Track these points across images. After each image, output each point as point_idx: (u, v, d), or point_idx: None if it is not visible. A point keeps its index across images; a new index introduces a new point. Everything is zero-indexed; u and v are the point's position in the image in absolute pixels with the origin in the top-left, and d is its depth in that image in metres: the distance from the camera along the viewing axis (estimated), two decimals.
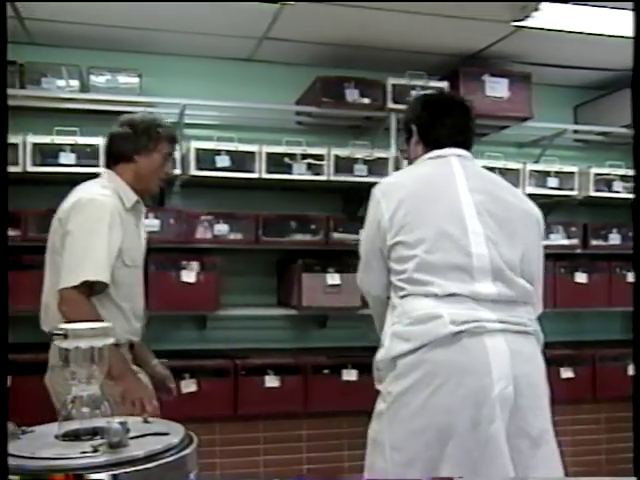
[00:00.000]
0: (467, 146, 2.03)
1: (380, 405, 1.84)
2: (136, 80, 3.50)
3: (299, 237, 3.51)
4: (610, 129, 4.09)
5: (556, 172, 3.88)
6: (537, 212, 1.99)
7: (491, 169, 3.70)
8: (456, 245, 1.79)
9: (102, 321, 1.77)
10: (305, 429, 3.42)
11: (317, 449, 3.46)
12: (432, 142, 2.01)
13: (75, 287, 2.08)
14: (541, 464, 1.75)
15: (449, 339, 1.70)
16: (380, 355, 1.84)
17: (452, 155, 1.98)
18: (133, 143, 2.33)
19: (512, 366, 1.71)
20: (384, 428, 1.79)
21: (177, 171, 3.34)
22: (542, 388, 1.82)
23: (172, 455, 1.17)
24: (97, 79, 3.45)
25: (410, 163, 2.13)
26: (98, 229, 2.15)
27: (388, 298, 1.93)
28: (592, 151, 4.33)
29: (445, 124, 2.00)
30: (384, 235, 1.87)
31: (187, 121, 3.61)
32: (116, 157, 2.36)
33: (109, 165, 2.38)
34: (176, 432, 1.21)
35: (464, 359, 1.70)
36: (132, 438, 1.18)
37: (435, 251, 1.79)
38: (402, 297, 1.82)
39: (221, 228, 3.44)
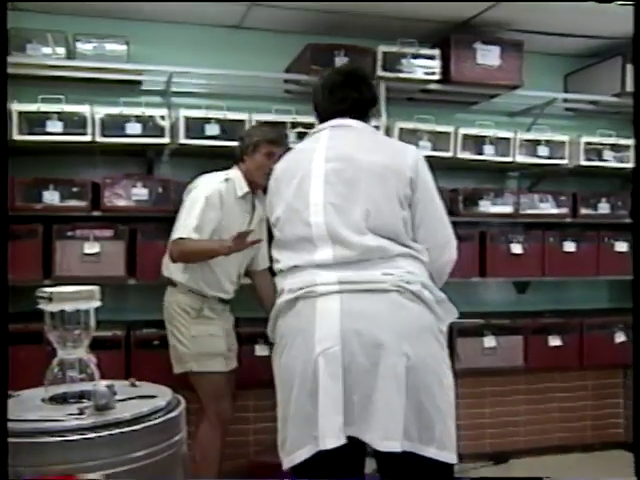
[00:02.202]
0: (354, 115, 2.06)
1: None
2: (123, 48, 3.45)
3: None
4: (600, 98, 4.08)
5: (546, 141, 3.88)
6: (401, 164, 1.95)
7: (482, 138, 3.77)
8: (300, 218, 1.91)
9: (202, 246, 2.84)
10: None
11: None
12: (320, 116, 2.13)
13: (174, 242, 2.83)
14: (373, 420, 1.75)
15: (288, 306, 1.88)
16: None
17: (327, 128, 2.05)
18: (240, 147, 3.02)
19: (342, 326, 1.77)
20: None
21: (166, 140, 3.31)
22: (386, 343, 1.77)
23: (159, 417, 1.19)
24: (84, 46, 3.40)
25: None
26: (195, 206, 2.84)
27: None
28: (582, 120, 4.32)
29: (325, 97, 2.10)
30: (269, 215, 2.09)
31: (175, 89, 3.57)
32: (235, 158, 3.04)
33: (235, 160, 3.05)
34: (163, 395, 1.22)
35: (296, 322, 1.86)
36: (119, 401, 1.19)
37: (284, 228, 1.95)
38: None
39: None
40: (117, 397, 1.18)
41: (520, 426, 3.99)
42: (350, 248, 1.84)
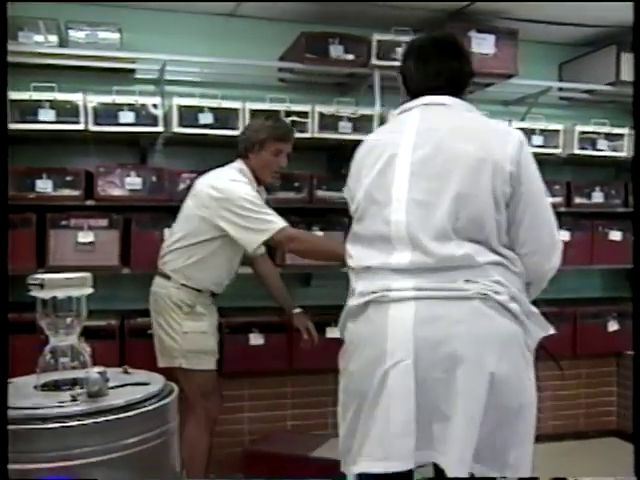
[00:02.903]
0: (449, 90, 1.81)
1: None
2: (116, 35, 3.42)
3: (283, 195, 3.49)
4: (595, 87, 4.07)
5: (541, 130, 3.87)
6: (500, 155, 1.69)
7: None
8: (380, 212, 1.71)
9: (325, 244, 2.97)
10: (290, 386, 3.46)
11: (302, 406, 3.51)
12: (411, 91, 1.86)
13: (279, 231, 2.69)
14: (451, 443, 1.59)
15: (358, 310, 1.71)
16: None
17: (418, 106, 1.81)
18: (244, 144, 2.88)
19: (415, 334, 1.61)
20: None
21: (159, 128, 3.30)
22: (465, 356, 1.60)
23: (152, 404, 1.18)
24: (76, 34, 3.37)
25: None
26: (257, 203, 2.73)
27: None
28: (577, 109, 4.32)
29: (419, 70, 1.83)
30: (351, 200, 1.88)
31: (169, 77, 3.55)
32: (238, 153, 2.91)
33: (239, 155, 2.91)
34: (156, 382, 1.22)
35: (367, 329, 1.70)
36: (112, 388, 1.19)
37: (363, 220, 1.77)
38: None
39: None
40: (110, 384, 1.18)
41: None
42: (430, 255, 1.64)
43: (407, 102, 1.85)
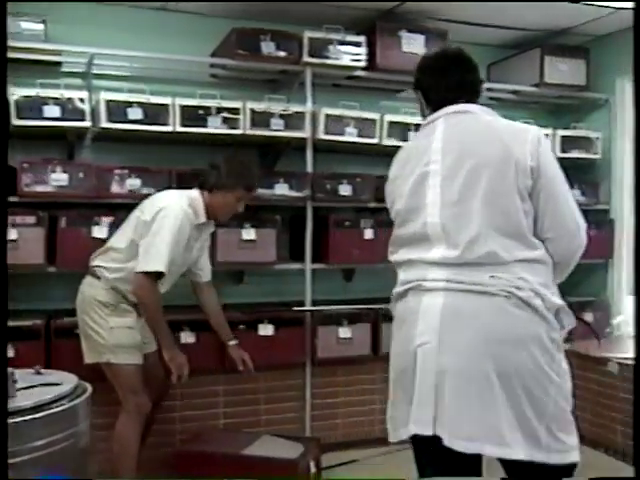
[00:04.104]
0: (467, 98, 1.99)
1: None
2: (40, 27, 3.33)
3: None
4: (520, 87, 4.19)
5: None
6: (520, 153, 1.83)
7: (407, 125, 3.81)
8: (417, 217, 1.91)
9: (161, 319, 2.84)
10: (222, 384, 3.44)
11: (234, 404, 3.49)
12: (433, 104, 2.01)
13: (146, 273, 2.74)
14: (459, 419, 1.77)
15: (399, 296, 1.96)
16: None
17: (442, 116, 1.96)
18: (214, 179, 2.92)
19: (441, 321, 1.81)
20: None
21: (87, 123, 3.23)
22: (479, 346, 1.77)
23: (62, 405, 1.16)
24: None
25: None
26: (169, 234, 2.76)
27: None
28: (504, 109, 4.40)
29: (440, 85, 1.99)
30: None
31: (96, 71, 3.48)
32: (203, 183, 2.96)
33: (202, 185, 2.96)
34: (68, 382, 1.20)
35: (405, 312, 1.93)
36: (21, 389, 1.16)
37: (403, 226, 1.97)
38: None
39: (134, 183, 3.35)
40: (19, 385, 1.14)
41: None
42: (460, 251, 1.82)
43: (430, 114, 2.01)
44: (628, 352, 3.66)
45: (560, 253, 1.89)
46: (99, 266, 2.92)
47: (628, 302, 4.28)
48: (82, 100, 3.21)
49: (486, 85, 4.23)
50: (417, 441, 1.90)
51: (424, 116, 2.05)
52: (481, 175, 1.83)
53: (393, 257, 2.03)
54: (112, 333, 2.83)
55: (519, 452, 1.74)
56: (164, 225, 2.78)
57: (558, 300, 1.87)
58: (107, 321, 2.84)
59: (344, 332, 3.70)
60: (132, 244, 2.86)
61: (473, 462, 1.89)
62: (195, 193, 2.96)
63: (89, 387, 1.18)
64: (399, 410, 1.91)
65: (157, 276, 2.78)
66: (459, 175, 1.85)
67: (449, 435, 1.76)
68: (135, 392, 2.86)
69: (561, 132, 4.17)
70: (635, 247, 1.68)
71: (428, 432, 1.79)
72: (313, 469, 3.12)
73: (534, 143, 1.85)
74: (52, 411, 1.11)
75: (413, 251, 1.93)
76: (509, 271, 1.79)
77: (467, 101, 1.98)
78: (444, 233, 1.85)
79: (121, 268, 2.86)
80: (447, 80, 1.99)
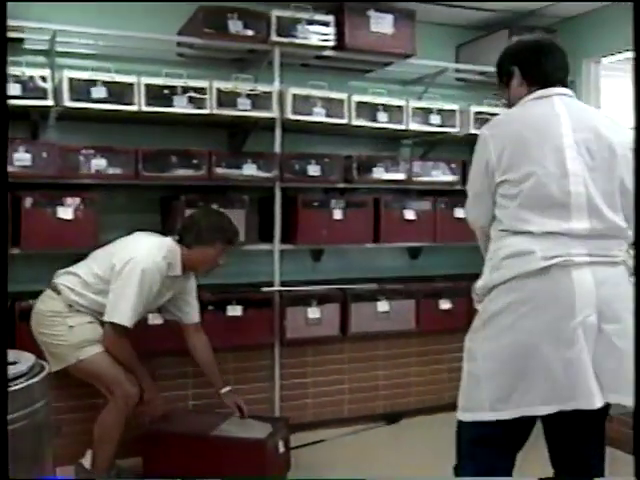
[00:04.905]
0: (564, 82, 2.12)
1: (477, 322, 2.06)
2: None
3: (181, 172, 3.43)
4: (488, 68, 4.18)
5: (438, 110, 3.96)
6: (628, 142, 2.04)
7: (375, 105, 3.81)
8: (557, 184, 1.93)
9: (136, 364, 2.90)
10: (190, 366, 3.42)
11: (203, 385, 3.48)
12: (537, 81, 2.09)
13: (117, 325, 2.79)
14: (623, 382, 1.89)
15: (539, 272, 1.92)
16: (479, 284, 2.07)
17: (555, 94, 2.06)
18: (195, 235, 2.94)
19: (597, 295, 1.89)
20: (479, 341, 2.02)
21: (49, 102, 3.17)
22: (627, 312, 1.92)
23: (19, 384, 1.15)
24: None
25: (510, 107, 2.19)
26: (135, 288, 2.78)
27: None
28: (472, 90, 4.44)
29: (548, 62, 2.10)
30: (492, 173, 2.02)
31: (59, 49, 3.41)
32: (180, 239, 2.98)
33: (180, 240, 2.99)
34: (25, 361, 1.18)
35: (552, 289, 1.91)
36: None
37: (537, 189, 1.95)
38: (500, 231, 2.02)
39: (99, 163, 3.30)
40: None
41: (412, 387, 4.13)
42: (605, 223, 1.93)
43: (529, 91, 2.10)
44: None
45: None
46: (65, 285, 2.91)
47: None
48: (44, 78, 3.14)
49: (454, 66, 4.28)
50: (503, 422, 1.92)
51: (502, 95, 2.23)
52: (606, 155, 1.97)
53: (526, 227, 1.95)
54: (73, 331, 2.84)
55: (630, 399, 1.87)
56: (132, 279, 2.79)
57: None
58: (65, 323, 2.85)
59: (313, 312, 3.71)
60: (97, 279, 2.89)
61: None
62: (174, 245, 2.97)
63: (47, 366, 1.17)
64: (536, 385, 1.90)
65: (124, 327, 2.81)
66: (591, 152, 1.96)
67: (607, 392, 1.89)
68: (119, 382, 2.84)
69: None
70: (635, 247, 1.88)
71: (597, 404, 1.87)
72: (282, 449, 3.14)
73: (630, 135, 2.05)
74: (9, 389, 1.10)
75: (550, 221, 1.93)
76: (621, 243, 1.98)
77: (563, 85, 2.11)
78: (588, 205, 1.93)
79: (84, 295, 2.89)
80: (554, 59, 2.11)
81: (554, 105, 2.04)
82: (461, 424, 2.09)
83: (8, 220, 2.28)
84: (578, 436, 2.10)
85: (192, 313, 3.16)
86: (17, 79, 3.09)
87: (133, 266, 2.81)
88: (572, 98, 2.11)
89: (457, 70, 4.31)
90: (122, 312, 2.79)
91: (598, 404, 1.88)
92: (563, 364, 1.88)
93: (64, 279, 2.94)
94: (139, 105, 3.29)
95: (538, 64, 2.11)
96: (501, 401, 1.93)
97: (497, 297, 1.98)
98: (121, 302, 2.79)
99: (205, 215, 3.08)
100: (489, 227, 2.10)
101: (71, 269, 2.98)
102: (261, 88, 3.53)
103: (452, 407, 4.03)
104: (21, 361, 1.22)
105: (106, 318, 2.82)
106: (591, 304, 1.89)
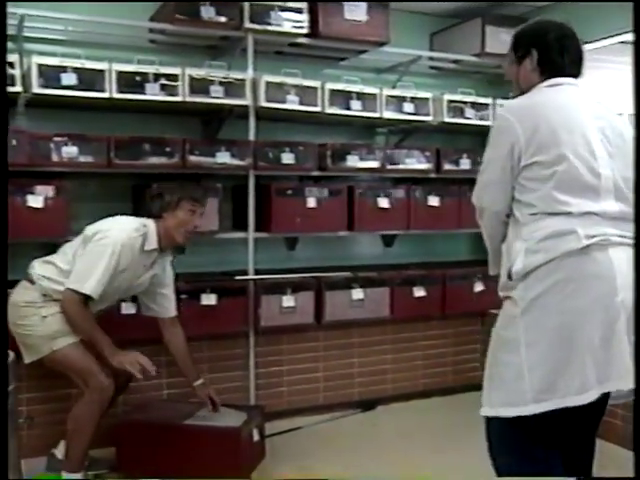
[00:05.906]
0: (579, 75, 2.14)
1: (513, 310, 1.99)
2: None
3: (154, 160, 3.39)
4: (462, 57, 4.22)
5: (412, 98, 3.96)
6: (630, 131, 2.09)
7: (349, 93, 3.80)
8: (587, 167, 1.95)
9: (93, 330, 2.78)
10: (164, 355, 3.40)
11: (177, 374, 3.46)
12: (552, 70, 2.09)
13: (77, 293, 2.74)
14: None
15: (581, 251, 1.91)
16: (515, 269, 1.98)
17: (567, 84, 2.08)
18: (160, 202, 2.96)
19: (634, 274, 1.90)
20: (519, 329, 1.95)
21: (17, 88, 3.11)
22: None
23: None
24: None
25: (513, 84, 2.20)
26: (104, 259, 2.76)
27: (507, 216, 2.07)
28: (445, 78, 4.46)
29: (570, 52, 2.10)
30: (519, 156, 1.99)
31: (28, 34, 3.35)
32: (149, 213, 2.99)
33: (150, 215, 2.99)
34: None
35: (594, 268, 1.91)
36: None
37: (570, 171, 1.95)
38: (533, 214, 1.98)
39: (70, 150, 3.26)
40: None
41: (387, 374, 4.17)
42: (629, 205, 1.97)
43: (544, 80, 2.10)
44: None
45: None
46: (41, 275, 2.88)
47: None
48: (12, 64, 3.09)
49: (428, 54, 4.29)
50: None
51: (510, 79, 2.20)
52: (620, 143, 2.02)
53: (564, 208, 1.94)
54: (46, 322, 2.81)
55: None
56: (99, 248, 2.78)
57: None
58: (39, 313, 2.82)
59: (287, 301, 3.71)
60: (73, 263, 2.85)
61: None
62: (149, 221, 2.96)
63: (11, 354, 1.15)
64: (581, 370, 1.87)
65: (86, 297, 2.77)
66: (609, 139, 2.00)
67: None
68: (93, 373, 2.80)
69: (501, 102, 4.22)
70: (635, 247, 1.91)
71: (630, 385, 1.87)
72: (256, 437, 3.15)
73: (628, 123, 2.11)
74: None
75: (587, 203, 1.94)
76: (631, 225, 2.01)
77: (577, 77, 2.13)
78: (615, 188, 1.97)
79: (62, 282, 2.82)
80: (574, 50, 2.11)
81: (570, 93, 2.08)
82: (500, 421, 1.99)
83: (7, 218, 2.25)
84: (576, 429, 2.10)
85: (170, 307, 3.14)
86: None
87: (101, 236, 2.80)
88: (580, 88, 2.12)
89: (431, 58, 4.31)
90: (87, 282, 2.74)
91: (630, 385, 1.88)
92: (608, 343, 1.88)
93: (40, 269, 2.91)
94: (110, 92, 3.25)
95: (560, 53, 2.09)
96: (545, 391, 1.88)
97: (536, 281, 1.93)
98: (87, 272, 2.75)
99: (166, 185, 3.09)
100: (505, 213, 2.06)
101: (47, 258, 2.95)
102: (234, 75, 3.50)
103: (427, 394, 4.18)
104: None
105: (68, 284, 2.77)
106: (629, 284, 1.90)
